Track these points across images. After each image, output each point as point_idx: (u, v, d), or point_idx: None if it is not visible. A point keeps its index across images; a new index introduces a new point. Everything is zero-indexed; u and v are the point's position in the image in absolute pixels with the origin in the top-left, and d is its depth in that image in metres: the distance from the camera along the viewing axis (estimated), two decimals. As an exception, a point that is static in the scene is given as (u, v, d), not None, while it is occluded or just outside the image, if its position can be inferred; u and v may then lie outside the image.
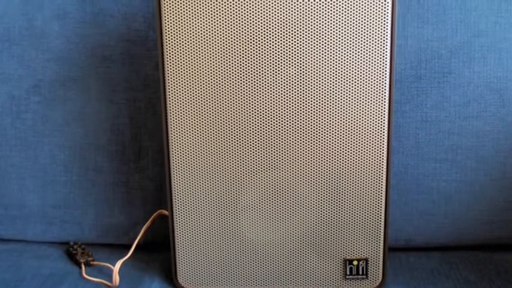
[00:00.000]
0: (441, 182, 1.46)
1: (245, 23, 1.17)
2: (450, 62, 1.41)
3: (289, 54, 1.18)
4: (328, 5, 1.15)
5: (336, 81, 1.19)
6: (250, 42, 1.17)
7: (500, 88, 1.42)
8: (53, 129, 1.51)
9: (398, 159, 1.45)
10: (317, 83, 1.19)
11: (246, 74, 1.19)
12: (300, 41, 1.17)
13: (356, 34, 1.17)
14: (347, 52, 1.17)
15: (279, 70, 1.19)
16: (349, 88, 1.19)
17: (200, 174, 1.25)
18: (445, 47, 1.41)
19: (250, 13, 1.16)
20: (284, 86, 1.19)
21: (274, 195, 1.26)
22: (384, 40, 1.17)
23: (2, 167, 1.53)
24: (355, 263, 1.28)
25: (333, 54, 1.17)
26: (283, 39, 1.17)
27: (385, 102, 1.20)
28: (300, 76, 1.19)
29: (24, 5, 1.48)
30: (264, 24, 1.16)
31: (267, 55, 1.18)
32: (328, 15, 1.16)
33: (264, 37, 1.17)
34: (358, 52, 1.17)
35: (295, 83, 1.19)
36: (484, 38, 1.41)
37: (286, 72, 1.19)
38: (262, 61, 1.18)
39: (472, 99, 1.42)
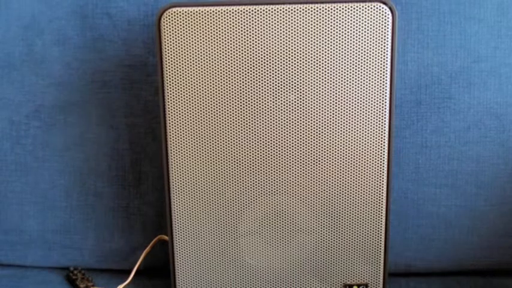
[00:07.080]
0: (441, 207, 1.46)
1: (245, 49, 1.17)
2: (450, 87, 1.42)
3: (289, 80, 1.18)
4: (328, 30, 1.15)
5: (336, 106, 1.19)
6: (250, 68, 1.18)
7: (500, 113, 1.42)
8: (53, 155, 1.51)
9: (398, 184, 1.45)
10: (317, 108, 1.19)
11: (246, 99, 1.19)
12: (300, 67, 1.17)
13: (356, 59, 1.17)
14: (347, 77, 1.18)
15: (278, 95, 1.19)
16: (349, 113, 1.19)
17: (200, 199, 1.25)
18: (445, 72, 1.42)
19: (250, 39, 1.16)
20: (284, 111, 1.19)
21: (274, 220, 1.26)
22: (384, 65, 1.17)
23: (1, 192, 1.53)
24: (355, 288, 1.28)
25: (333, 79, 1.18)
26: (283, 64, 1.17)
27: (385, 127, 1.20)
28: (300, 102, 1.19)
29: (24, 31, 1.48)
30: (264, 50, 1.17)
31: (267, 80, 1.18)
32: (328, 41, 1.16)
33: (264, 62, 1.17)
34: (358, 77, 1.18)
35: (295, 108, 1.19)
36: (484, 63, 1.41)
37: (286, 97, 1.19)
38: (262, 86, 1.18)
39: (472, 124, 1.42)
